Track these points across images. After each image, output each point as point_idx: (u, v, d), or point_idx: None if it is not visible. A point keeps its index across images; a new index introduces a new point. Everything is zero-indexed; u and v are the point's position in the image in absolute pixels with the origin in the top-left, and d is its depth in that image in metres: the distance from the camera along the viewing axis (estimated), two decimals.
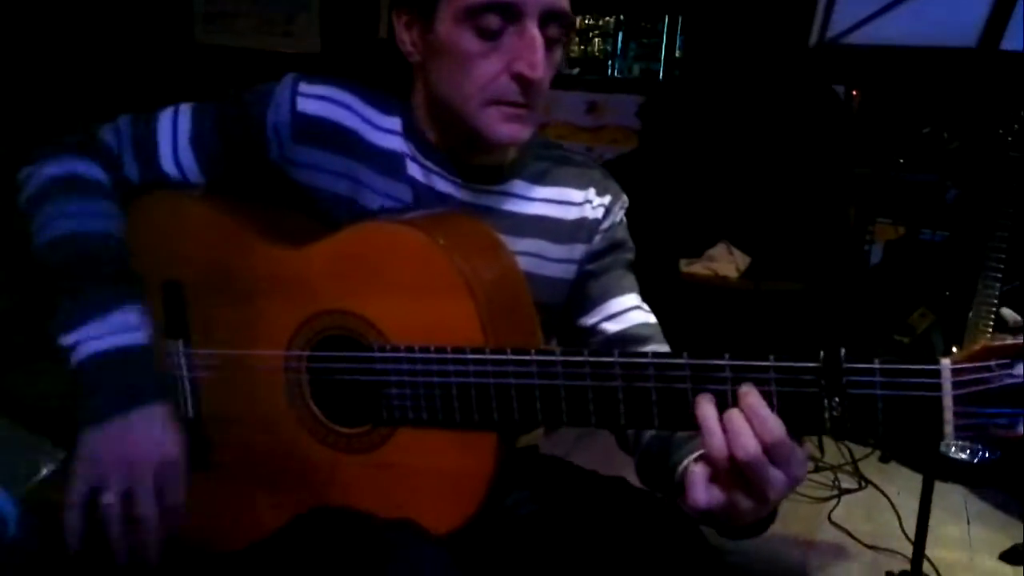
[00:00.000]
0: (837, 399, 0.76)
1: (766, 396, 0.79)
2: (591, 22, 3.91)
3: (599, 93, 3.84)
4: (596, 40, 3.93)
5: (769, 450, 0.78)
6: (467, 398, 0.92)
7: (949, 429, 0.74)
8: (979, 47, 1.60)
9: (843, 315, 3.10)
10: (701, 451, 0.87)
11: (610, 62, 3.95)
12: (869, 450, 2.99)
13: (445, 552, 0.94)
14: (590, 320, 1.15)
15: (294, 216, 1.09)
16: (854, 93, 3.61)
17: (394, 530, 0.96)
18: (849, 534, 2.44)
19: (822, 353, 0.76)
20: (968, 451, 2.72)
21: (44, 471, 0.69)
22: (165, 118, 1.12)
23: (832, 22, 1.64)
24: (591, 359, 0.87)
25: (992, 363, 0.73)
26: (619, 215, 1.18)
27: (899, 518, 2.47)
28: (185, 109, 1.13)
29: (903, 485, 2.72)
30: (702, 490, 0.82)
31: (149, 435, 0.94)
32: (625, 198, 1.19)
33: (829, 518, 2.53)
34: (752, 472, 0.78)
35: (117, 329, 0.96)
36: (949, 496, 2.67)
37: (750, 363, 0.79)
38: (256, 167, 1.10)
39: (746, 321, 3.02)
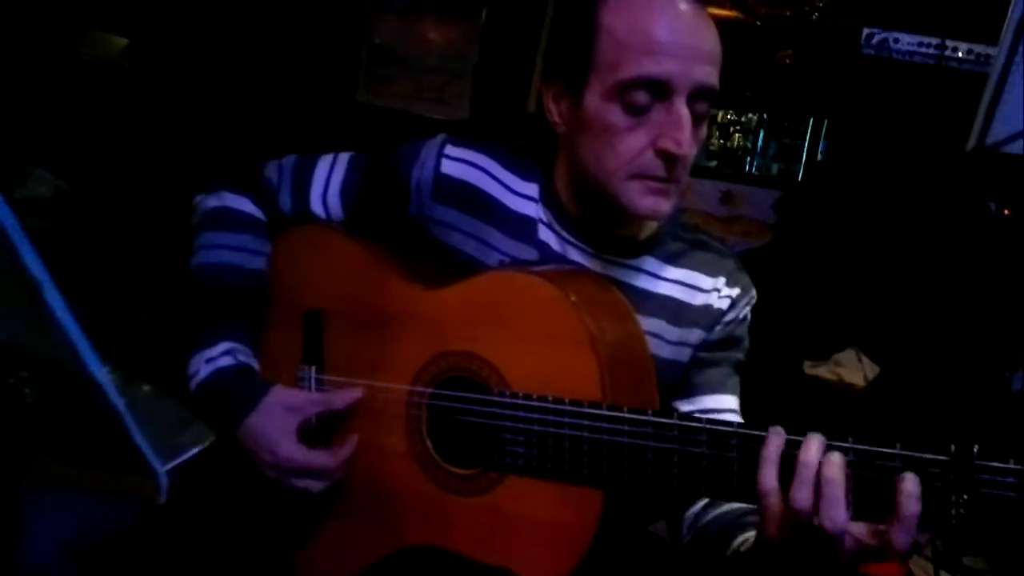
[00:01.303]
0: (965, 496, 0.73)
1: (889, 487, 0.76)
2: (733, 117, 3.86)
3: (736, 184, 3.83)
4: (736, 136, 3.89)
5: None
6: (578, 452, 0.93)
7: None
8: None
9: (975, 438, 2.94)
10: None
11: (748, 159, 3.90)
12: None
13: None
14: (685, 407, 1.13)
15: (429, 260, 1.14)
16: (1006, 212, 3.48)
17: (491, 574, 0.97)
18: None
19: (953, 447, 0.74)
20: None
21: (195, 449, 0.74)
22: (323, 164, 1.21)
23: (993, 127, 1.61)
24: (709, 427, 0.86)
25: None
26: (744, 311, 1.16)
27: None
28: (343, 158, 1.21)
29: None
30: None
31: (259, 428, 1.06)
32: (754, 293, 1.17)
33: None
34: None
35: (205, 362, 1.09)
36: None
37: (876, 449, 0.77)
38: (395, 217, 1.17)
39: (868, 433, 2.91)
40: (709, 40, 1.00)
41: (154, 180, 3.55)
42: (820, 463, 0.80)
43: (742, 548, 0.98)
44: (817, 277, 3.25)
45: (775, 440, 0.83)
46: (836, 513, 0.78)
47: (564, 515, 0.95)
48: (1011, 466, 0.72)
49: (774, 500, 0.83)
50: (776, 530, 0.84)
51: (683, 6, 0.99)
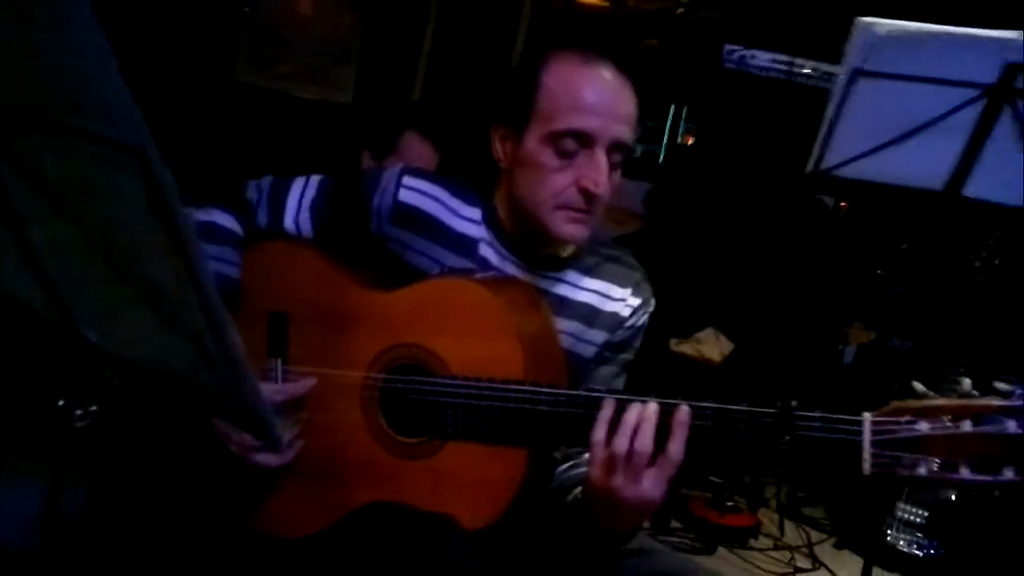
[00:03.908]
0: (787, 437, 1.04)
1: (736, 433, 1.07)
2: None
3: None
4: None
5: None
6: (506, 419, 1.18)
7: (866, 466, 1.01)
8: (944, 191, 1.94)
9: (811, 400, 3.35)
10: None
11: None
12: (825, 535, 3.25)
13: (474, 543, 1.20)
14: None
15: (381, 269, 1.37)
16: (842, 205, 3.92)
17: (434, 521, 1.21)
18: None
19: (779, 403, 1.05)
20: (916, 545, 2.96)
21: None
22: (296, 185, 1.41)
23: (828, 155, 1.97)
24: (608, 395, 1.15)
25: (901, 419, 1.01)
26: (643, 318, 1.44)
27: None
28: (313, 181, 1.42)
29: (852, 571, 2.95)
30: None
31: None
32: (652, 303, 1.45)
33: None
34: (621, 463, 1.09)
35: None
36: None
37: (727, 407, 1.08)
38: (358, 235, 1.39)
39: (722, 401, 3.25)
40: (627, 105, 1.29)
41: None
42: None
43: (577, 496, 1.27)
44: (680, 263, 3.59)
45: (608, 404, 1.12)
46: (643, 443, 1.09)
47: (495, 471, 1.20)
48: (818, 414, 1.04)
49: (599, 449, 1.11)
50: (598, 470, 1.12)
51: (608, 75, 1.27)
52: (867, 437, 1.02)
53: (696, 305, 3.54)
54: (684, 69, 4.09)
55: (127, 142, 0.50)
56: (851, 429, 1.03)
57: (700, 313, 3.53)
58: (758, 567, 2.91)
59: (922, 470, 1.00)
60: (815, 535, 3.22)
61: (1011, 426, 0.98)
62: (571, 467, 1.34)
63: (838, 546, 3.18)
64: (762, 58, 3.76)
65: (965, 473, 0.99)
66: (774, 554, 3.03)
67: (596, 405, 1.14)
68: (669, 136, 4.13)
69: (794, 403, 1.05)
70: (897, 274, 3.54)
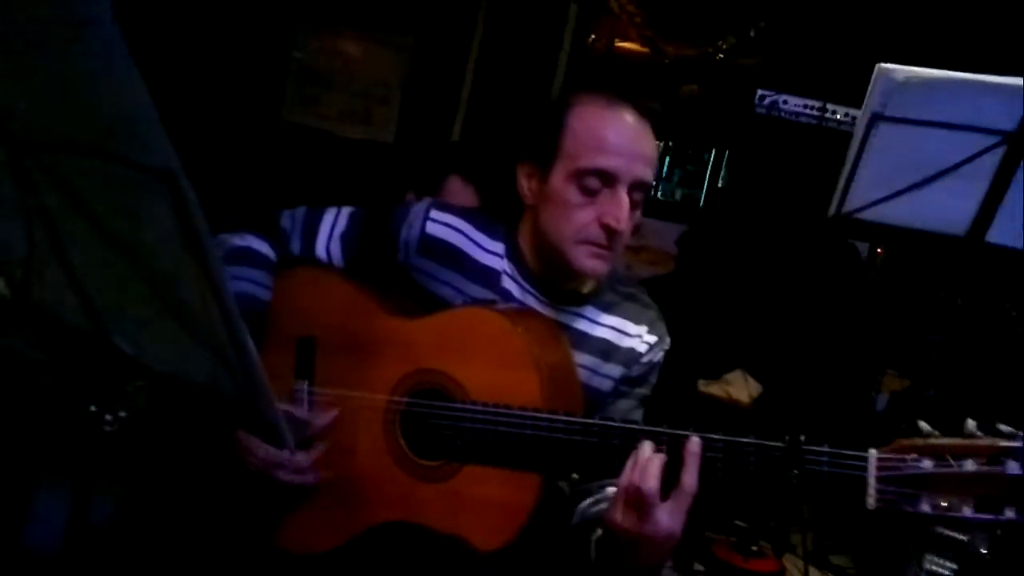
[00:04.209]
0: (796, 471, 1.06)
1: (746, 465, 1.09)
2: None
3: (644, 217, 4.12)
4: None
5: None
6: (522, 445, 1.22)
7: (871, 501, 1.03)
8: (966, 236, 1.95)
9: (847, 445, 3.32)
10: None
11: (654, 183, 4.24)
12: None
13: (486, 564, 1.23)
14: None
15: (407, 298, 1.42)
16: (878, 251, 3.91)
17: (448, 544, 1.25)
18: None
19: (787, 437, 1.07)
20: None
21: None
22: (329, 214, 1.48)
23: (849, 198, 1.99)
24: (620, 426, 1.18)
25: (906, 457, 1.03)
26: (659, 355, 1.48)
27: None
28: (344, 212, 1.48)
29: None
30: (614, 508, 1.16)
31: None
32: (668, 341, 1.49)
33: None
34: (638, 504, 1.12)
35: None
36: None
37: (734, 439, 1.10)
38: (385, 265, 1.44)
39: None
40: (648, 147, 1.35)
41: None
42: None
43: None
44: (712, 305, 3.60)
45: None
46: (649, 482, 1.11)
47: (509, 494, 1.24)
48: (825, 449, 1.06)
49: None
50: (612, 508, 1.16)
51: (630, 119, 1.33)
52: (872, 472, 1.04)
53: (725, 347, 3.54)
54: (723, 114, 4.13)
55: (158, 166, 0.55)
56: (857, 464, 1.05)
57: (729, 355, 3.54)
58: None
59: (925, 507, 1.02)
60: None
61: (1013, 467, 0.99)
62: (595, 503, 1.36)
63: None
64: (794, 103, 3.79)
65: (967, 511, 1.01)
66: None
67: (609, 434, 1.18)
68: (709, 181, 4.15)
69: (802, 437, 1.07)
70: (931, 321, 3.51)
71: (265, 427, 0.75)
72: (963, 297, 3.61)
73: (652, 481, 1.11)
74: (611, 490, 1.28)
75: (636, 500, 1.13)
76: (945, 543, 2.88)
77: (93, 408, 0.76)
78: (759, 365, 3.51)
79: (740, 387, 3.37)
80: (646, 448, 1.14)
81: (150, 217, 0.58)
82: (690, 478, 1.12)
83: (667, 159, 4.15)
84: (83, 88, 0.53)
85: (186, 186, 0.57)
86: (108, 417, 0.78)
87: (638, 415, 1.46)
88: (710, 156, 4.12)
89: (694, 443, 1.12)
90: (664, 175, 4.17)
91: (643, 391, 1.48)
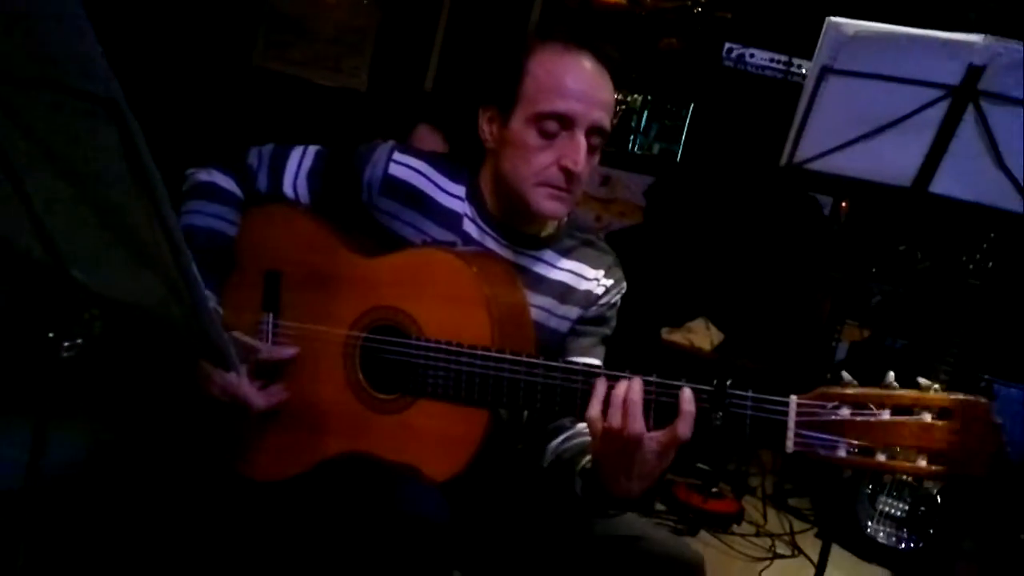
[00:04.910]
0: (720, 412, 1.13)
1: (674, 406, 1.15)
2: (619, 97, 4.14)
3: (615, 169, 4.14)
4: (621, 114, 4.18)
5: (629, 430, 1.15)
6: (472, 382, 1.28)
7: (790, 444, 1.10)
8: (911, 187, 2.01)
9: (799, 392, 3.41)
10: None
11: (632, 138, 4.22)
12: (808, 525, 3.32)
13: (437, 492, 1.29)
14: None
15: (369, 237, 1.46)
16: (843, 204, 3.97)
17: (401, 472, 1.31)
18: None
19: (715, 381, 1.13)
20: (895, 538, 3.03)
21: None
22: (296, 152, 1.51)
23: (800, 149, 2.04)
24: (563, 366, 1.24)
25: (826, 404, 1.09)
26: (615, 297, 1.54)
27: None
28: (311, 150, 1.51)
29: (832, 560, 3.02)
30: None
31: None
32: (624, 285, 1.55)
33: None
34: (622, 441, 1.15)
35: None
36: None
37: (668, 381, 1.16)
38: (350, 204, 1.48)
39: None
40: (606, 93, 1.38)
41: None
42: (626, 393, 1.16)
43: (586, 466, 1.33)
44: (677, 255, 3.66)
45: (600, 382, 1.20)
46: (636, 423, 1.15)
47: (459, 428, 1.30)
48: (749, 394, 1.12)
49: (596, 423, 1.18)
50: (600, 444, 1.20)
51: (588, 65, 1.37)
52: (792, 417, 1.10)
53: (689, 295, 3.61)
54: (702, 68, 4.13)
55: (103, 94, 0.58)
56: (778, 409, 1.11)
57: (692, 303, 3.60)
58: (738, 551, 2.99)
59: (841, 452, 1.08)
60: (798, 524, 3.31)
61: (926, 417, 1.05)
62: (567, 439, 1.42)
63: (819, 536, 3.24)
64: (760, 57, 3.80)
65: (880, 458, 1.07)
66: (755, 540, 3.11)
67: (553, 373, 1.24)
68: (688, 135, 4.15)
69: (728, 381, 1.13)
70: (893, 273, 3.59)
71: (211, 349, 0.80)
72: (924, 250, 3.68)
73: (637, 423, 1.15)
74: (582, 425, 1.34)
75: (622, 442, 1.16)
76: (898, 485, 3.00)
77: (51, 335, 0.80)
78: (722, 314, 3.58)
79: (702, 335, 3.45)
80: (620, 388, 1.17)
81: (98, 146, 0.61)
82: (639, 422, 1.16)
83: (645, 113, 4.16)
84: (28, 24, 0.56)
85: (130, 116, 0.60)
86: (66, 343, 0.81)
87: (599, 352, 1.52)
88: (688, 111, 4.12)
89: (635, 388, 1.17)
90: (642, 129, 4.19)
91: (603, 330, 1.53)
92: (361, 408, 1.36)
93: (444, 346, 1.29)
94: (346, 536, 1.30)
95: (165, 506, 1.42)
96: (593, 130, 1.36)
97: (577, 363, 1.44)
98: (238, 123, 4.04)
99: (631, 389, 1.16)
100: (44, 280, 0.78)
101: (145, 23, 4.05)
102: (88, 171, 0.65)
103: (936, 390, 1.07)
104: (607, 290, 1.51)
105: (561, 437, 1.43)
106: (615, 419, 1.16)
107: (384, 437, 1.34)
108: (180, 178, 1.46)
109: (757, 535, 3.16)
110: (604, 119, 1.38)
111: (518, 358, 1.26)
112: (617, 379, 1.19)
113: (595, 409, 1.18)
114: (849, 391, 1.09)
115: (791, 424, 1.09)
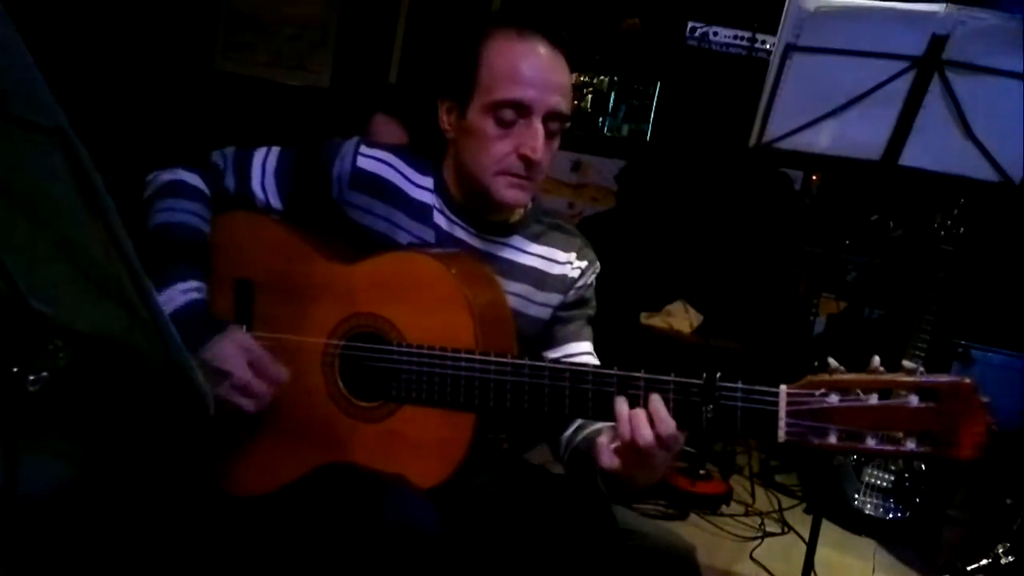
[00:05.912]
0: (711, 405, 1.11)
1: (665, 401, 1.13)
2: (586, 79, 4.14)
3: (585, 154, 4.14)
4: (589, 97, 4.18)
5: (661, 439, 1.13)
6: (457, 386, 1.25)
7: (781, 434, 1.09)
8: (881, 161, 2.00)
9: (783, 376, 3.43)
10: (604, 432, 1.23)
11: (601, 119, 4.19)
12: (796, 501, 3.33)
13: (427, 501, 1.26)
14: (553, 354, 1.48)
15: (343, 241, 1.43)
16: (814, 178, 3.98)
17: (390, 481, 1.28)
18: (766, 569, 2.75)
19: (704, 374, 1.12)
20: (881, 509, 3.05)
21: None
22: (259, 153, 1.48)
23: (768, 129, 2.03)
24: (550, 365, 1.22)
25: (815, 392, 1.08)
26: (591, 278, 1.52)
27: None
28: (275, 150, 1.49)
29: (823, 535, 3.04)
30: (607, 456, 1.19)
31: (221, 354, 1.28)
32: (598, 265, 1.53)
33: (751, 556, 2.84)
34: (646, 453, 1.14)
35: (181, 292, 1.32)
36: (862, 548, 3.00)
37: (657, 377, 1.14)
38: (320, 202, 1.45)
39: (692, 372, 3.32)
40: (561, 77, 1.36)
41: None
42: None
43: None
44: (651, 238, 3.65)
45: (620, 403, 1.16)
46: (666, 426, 1.13)
47: (445, 433, 1.28)
48: (739, 385, 1.11)
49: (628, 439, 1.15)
50: (625, 455, 1.17)
51: (542, 50, 1.34)
52: (783, 407, 1.09)
53: (666, 279, 3.61)
54: (666, 48, 4.11)
55: (49, 124, 0.55)
56: (769, 400, 1.10)
57: (670, 286, 3.60)
58: (728, 532, 3.00)
59: (832, 439, 1.07)
60: (786, 501, 3.32)
61: (913, 400, 1.05)
62: (577, 430, 1.40)
63: (808, 511, 3.26)
64: (724, 35, 3.79)
65: (870, 443, 1.07)
66: (745, 519, 3.12)
67: (541, 373, 1.22)
68: (656, 114, 4.13)
69: (718, 374, 1.12)
70: (866, 244, 3.60)
71: (179, 377, 0.77)
72: (896, 219, 3.70)
73: (646, 432, 1.14)
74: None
75: (636, 452, 1.15)
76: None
77: (15, 370, 0.77)
78: (699, 295, 3.58)
79: (681, 318, 3.45)
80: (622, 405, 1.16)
81: (49, 176, 0.58)
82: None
83: (612, 94, 4.14)
84: None
85: (78, 143, 0.57)
86: (31, 377, 0.78)
87: (588, 333, 1.51)
88: (655, 89, 4.11)
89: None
90: (610, 110, 4.17)
91: (586, 311, 1.52)
92: (343, 417, 1.34)
93: (426, 351, 1.27)
94: (336, 549, 1.28)
95: (151, 525, 1.38)
96: (550, 115, 1.34)
97: (568, 355, 1.46)
98: (202, 130, 3.98)
99: (652, 401, 1.15)
100: (4, 314, 0.75)
101: (100, 33, 3.98)
102: (42, 203, 0.62)
103: (921, 372, 1.07)
104: (582, 272, 1.50)
105: (573, 427, 1.41)
106: (643, 436, 1.14)
107: (368, 446, 1.32)
108: (143, 187, 1.43)
109: (746, 514, 3.16)
110: (561, 103, 1.35)
111: (503, 359, 1.24)
112: (627, 392, 1.17)
113: (624, 429, 1.16)
114: (836, 377, 1.09)
115: (782, 414, 1.09)
